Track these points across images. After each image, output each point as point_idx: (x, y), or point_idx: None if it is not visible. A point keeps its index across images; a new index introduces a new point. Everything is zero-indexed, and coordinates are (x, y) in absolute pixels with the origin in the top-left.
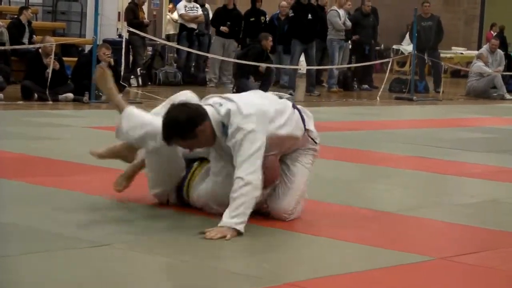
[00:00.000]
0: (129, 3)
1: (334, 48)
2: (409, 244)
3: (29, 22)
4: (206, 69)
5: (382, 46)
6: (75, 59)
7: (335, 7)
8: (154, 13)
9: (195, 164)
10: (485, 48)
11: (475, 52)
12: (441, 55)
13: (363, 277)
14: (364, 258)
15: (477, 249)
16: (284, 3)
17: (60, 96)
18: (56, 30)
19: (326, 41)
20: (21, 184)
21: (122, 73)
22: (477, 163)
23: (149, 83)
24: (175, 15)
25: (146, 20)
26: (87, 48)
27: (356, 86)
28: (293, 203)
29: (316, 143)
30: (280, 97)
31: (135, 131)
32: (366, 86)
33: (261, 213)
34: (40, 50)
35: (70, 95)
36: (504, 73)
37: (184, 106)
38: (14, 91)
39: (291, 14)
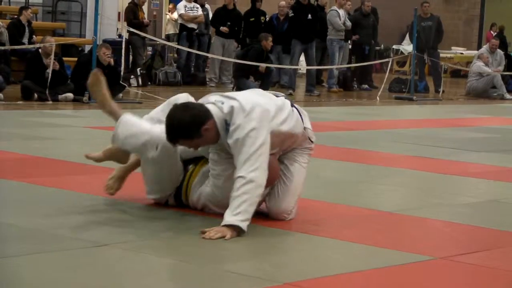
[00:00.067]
0: (129, 3)
1: (334, 48)
2: (410, 244)
3: (29, 22)
4: (206, 69)
5: (382, 46)
6: (75, 59)
7: (335, 7)
8: (154, 13)
9: (191, 167)
10: (485, 48)
11: (475, 52)
12: (441, 55)
13: (364, 277)
14: (365, 258)
15: (478, 248)
16: (282, 3)
17: (60, 96)
18: (56, 30)
19: (326, 41)
20: (21, 184)
21: (122, 73)
22: (477, 163)
23: (149, 83)
24: (174, 15)
25: (146, 20)
26: (87, 48)
27: (356, 86)
28: (292, 203)
29: (312, 142)
30: (277, 96)
31: (132, 140)
32: (366, 86)
33: (261, 213)
34: (40, 50)
35: (70, 95)
36: (504, 73)
37: (187, 106)
38: (14, 91)
39: (291, 14)
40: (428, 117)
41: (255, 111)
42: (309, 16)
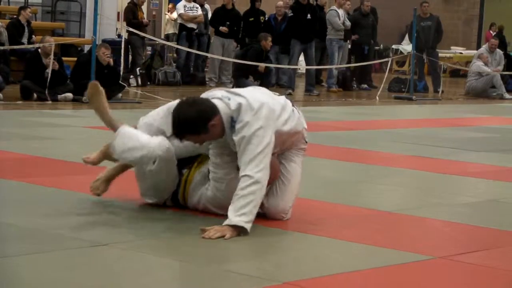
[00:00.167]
0: (128, 3)
1: (333, 48)
2: (409, 244)
3: (28, 22)
4: (206, 69)
5: (381, 46)
6: (75, 59)
7: (334, 7)
8: (154, 13)
9: (185, 172)
10: (484, 47)
11: (474, 52)
12: (441, 54)
13: (363, 276)
14: (365, 257)
15: (477, 248)
16: (280, 3)
17: (60, 96)
18: (55, 30)
19: (326, 41)
20: (20, 184)
21: (121, 73)
22: (477, 163)
23: (149, 83)
24: (174, 15)
25: (145, 20)
26: (86, 48)
27: (355, 85)
28: (290, 203)
29: (306, 142)
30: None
31: (130, 154)
32: (365, 85)
33: (259, 214)
34: (39, 50)
35: (70, 95)
36: (503, 73)
37: (194, 102)
38: (13, 91)
39: (290, 14)
40: (427, 116)
41: (262, 110)
42: (309, 16)
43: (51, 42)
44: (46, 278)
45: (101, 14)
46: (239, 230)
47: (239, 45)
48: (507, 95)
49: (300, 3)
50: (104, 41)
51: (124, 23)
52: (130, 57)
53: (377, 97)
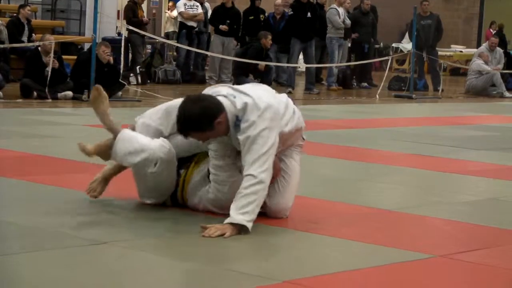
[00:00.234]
0: (128, 1)
1: (333, 46)
2: (409, 242)
3: (28, 20)
4: (206, 67)
5: (381, 44)
6: (75, 57)
7: (334, 5)
8: (154, 11)
9: (183, 172)
10: (484, 46)
11: (475, 50)
12: (441, 53)
13: (363, 275)
14: (364, 256)
15: (477, 246)
16: (278, 1)
17: (59, 94)
18: (55, 28)
19: (326, 39)
20: (20, 183)
21: (121, 71)
22: (477, 161)
23: (149, 81)
24: (174, 13)
25: (145, 18)
26: (86, 46)
27: (355, 84)
28: (291, 200)
29: (303, 139)
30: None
31: (131, 158)
32: (365, 84)
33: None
34: (39, 48)
35: (69, 93)
36: (503, 71)
37: (199, 99)
38: (13, 89)
39: (290, 12)
40: (427, 115)
41: (268, 111)
42: (309, 14)
43: (51, 40)
44: (46, 276)
45: (101, 12)
46: (239, 229)
47: (239, 44)
48: (507, 94)
49: (300, 2)
50: (104, 39)
51: (124, 21)
52: (130, 55)
53: (377, 96)
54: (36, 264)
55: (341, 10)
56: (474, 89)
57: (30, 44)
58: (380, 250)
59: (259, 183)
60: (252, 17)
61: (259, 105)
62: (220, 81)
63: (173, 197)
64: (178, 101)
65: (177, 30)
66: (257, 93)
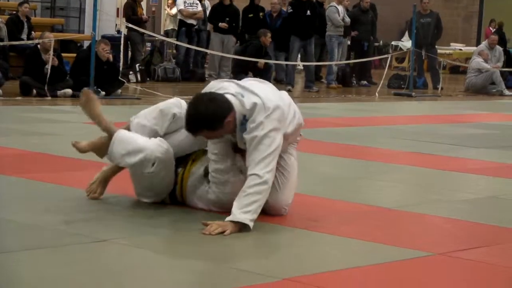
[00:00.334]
0: None
1: (333, 44)
2: (408, 240)
3: (28, 18)
4: (205, 65)
5: (381, 42)
6: (74, 55)
7: (334, 3)
8: (153, 9)
9: (180, 170)
10: (484, 44)
11: (474, 48)
12: (440, 51)
13: (363, 273)
14: (364, 254)
15: (476, 244)
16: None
17: (59, 92)
18: (54, 26)
19: (325, 37)
20: (20, 180)
21: (120, 69)
22: (476, 159)
23: (148, 79)
24: (173, 11)
25: (144, 16)
26: (86, 44)
27: (355, 82)
28: (291, 196)
29: (300, 135)
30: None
31: (128, 159)
32: (365, 82)
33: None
34: (38, 46)
35: (69, 91)
36: (503, 69)
37: (212, 97)
38: (12, 87)
39: (289, 10)
40: (427, 113)
41: (276, 112)
42: (308, 12)
43: (50, 38)
44: (45, 274)
45: (100, 10)
46: (240, 227)
47: (238, 42)
48: (506, 92)
49: (300, 0)
50: (103, 37)
51: (124, 19)
52: (130, 53)
53: (376, 94)
54: (35, 262)
55: (340, 8)
56: (474, 87)
57: (30, 41)
58: (380, 248)
59: (264, 183)
60: (251, 15)
61: (268, 105)
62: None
63: (171, 195)
64: (173, 101)
65: (176, 28)
66: (265, 93)
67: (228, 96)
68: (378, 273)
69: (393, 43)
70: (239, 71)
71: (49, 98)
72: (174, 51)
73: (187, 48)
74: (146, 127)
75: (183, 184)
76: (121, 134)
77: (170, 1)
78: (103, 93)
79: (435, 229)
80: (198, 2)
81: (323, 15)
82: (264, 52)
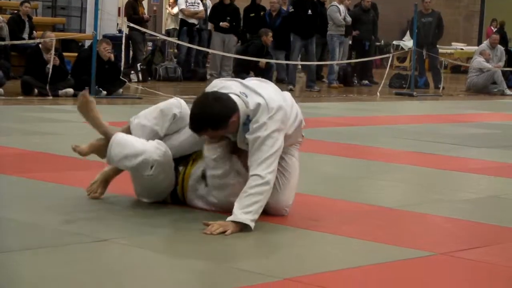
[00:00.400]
0: None
1: (334, 43)
2: (410, 240)
3: (29, 17)
4: (207, 65)
5: (382, 41)
6: (75, 54)
7: (335, 3)
8: (154, 8)
9: (181, 169)
10: (485, 43)
11: (475, 48)
12: (442, 50)
13: (364, 272)
14: (365, 253)
15: (478, 244)
16: None
17: (60, 92)
18: (56, 25)
19: (326, 37)
20: (21, 180)
21: (122, 69)
22: (478, 159)
23: (149, 78)
24: (174, 10)
25: (146, 16)
26: (87, 43)
27: (356, 81)
28: (292, 197)
29: (302, 136)
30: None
31: (127, 163)
32: (366, 81)
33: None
34: (40, 46)
35: (70, 91)
36: (504, 69)
37: (217, 97)
38: (14, 87)
39: (291, 10)
40: (428, 112)
41: (279, 113)
42: (310, 12)
43: (52, 37)
44: (46, 273)
45: (102, 9)
46: (241, 227)
47: (240, 41)
48: (508, 91)
49: None
50: (105, 36)
51: (125, 19)
52: (131, 52)
53: (378, 93)
54: (36, 261)
55: (342, 8)
56: (475, 87)
57: (31, 41)
58: (381, 247)
59: (265, 184)
60: (253, 14)
61: (271, 106)
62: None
63: (173, 195)
64: (173, 101)
65: (178, 27)
66: (269, 93)
67: (233, 96)
68: (379, 273)
69: (395, 42)
70: (241, 71)
71: (51, 97)
72: (176, 50)
73: (189, 48)
74: (146, 127)
75: (184, 183)
76: (118, 137)
77: (171, 1)
78: (105, 92)
79: (436, 228)
80: (199, 1)
81: (325, 15)
82: (266, 51)
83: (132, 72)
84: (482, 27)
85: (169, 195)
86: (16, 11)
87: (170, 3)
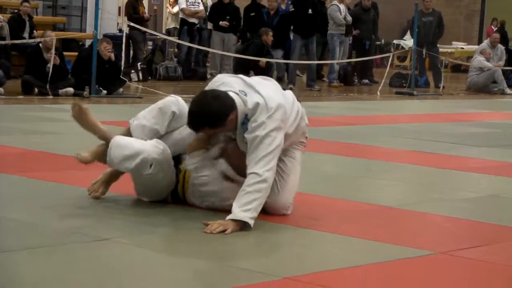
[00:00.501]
0: None
1: (334, 42)
2: (410, 239)
3: (30, 17)
4: (207, 64)
5: (383, 41)
6: (76, 53)
7: (335, 2)
8: (155, 7)
9: (182, 168)
10: (485, 43)
11: (476, 47)
12: (442, 50)
13: (364, 271)
14: (365, 253)
15: (478, 243)
16: None
17: (61, 91)
18: (56, 25)
19: (327, 36)
20: (21, 179)
21: (122, 68)
22: (478, 158)
23: (150, 77)
24: (175, 9)
25: (146, 15)
26: (88, 42)
27: (356, 81)
28: (290, 199)
29: (306, 137)
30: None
31: (126, 164)
32: (366, 81)
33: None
34: (40, 45)
35: (71, 90)
36: (505, 68)
37: (215, 95)
38: (14, 86)
39: (291, 9)
40: (428, 112)
41: (278, 112)
42: (310, 11)
43: (52, 36)
44: (46, 273)
45: (102, 9)
46: (241, 225)
47: (240, 40)
48: (508, 90)
49: None
50: (105, 35)
51: (125, 18)
52: (131, 51)
53: (378, 92)
54: (36, 260)
55: (342, 7)
56: (475, 86)
57: (32, 40)
58: (381, 246)
59: (263, 182)
60: (253, 14)
61: (270, 105)
62: None
63: (173, 193)
64: (171, 99)
65: (178, 27)
66: (268, 91)
67: (231, 94)
68: (379, 272)
69: (395, 41)
70: (241, 70)
71: (51, 97)
72: (176, 49)
73: (189, 47)
74: (146, 127)
75: (185, 181)
76: (117, 140)
77: (171, 0)
78: (105, 92)
79: (436, 227)
80: (200, 0)
81: (325, 14)
82: (266, 51)
83: (133, 71)
84: (483, 26)
85: (169, 194)
86: (16, 11)
87: (170, 3)
